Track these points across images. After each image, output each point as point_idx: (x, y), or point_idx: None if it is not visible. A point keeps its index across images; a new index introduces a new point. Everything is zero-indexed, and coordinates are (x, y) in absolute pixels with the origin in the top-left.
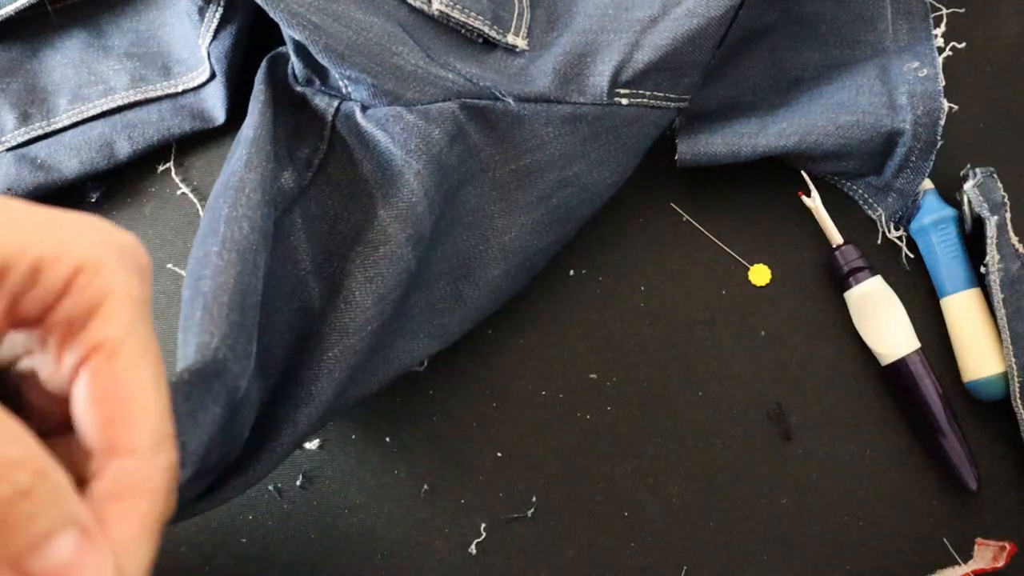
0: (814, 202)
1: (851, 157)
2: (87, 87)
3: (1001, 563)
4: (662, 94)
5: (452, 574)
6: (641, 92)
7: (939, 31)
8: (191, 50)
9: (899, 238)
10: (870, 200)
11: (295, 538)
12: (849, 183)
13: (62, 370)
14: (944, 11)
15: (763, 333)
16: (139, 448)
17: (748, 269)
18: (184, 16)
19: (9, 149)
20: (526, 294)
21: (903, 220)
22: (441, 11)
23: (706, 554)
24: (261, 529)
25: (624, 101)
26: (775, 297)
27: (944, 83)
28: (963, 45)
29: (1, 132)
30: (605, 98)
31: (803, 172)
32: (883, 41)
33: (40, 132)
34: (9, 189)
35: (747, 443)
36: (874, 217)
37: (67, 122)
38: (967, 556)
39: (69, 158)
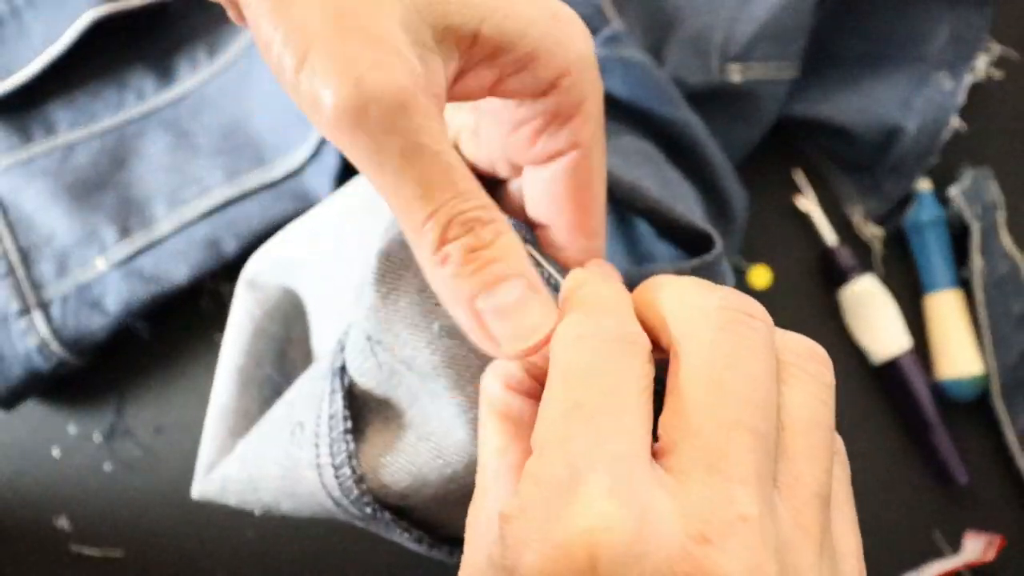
0: (809, 204)
1: (852, 140)
2: (182, 189)
3: (990, 556)
4: (774, 64)
5: None
6: (752, 65)
7: (983, 60)
8: (283, 134)
9: (875, 236)
10: (854, 197)
11: (304, 530)
12: (838, 176)
13: (531, 153)
14: (996, 48)
15: None
16: (598, 232)
17: (747, 271)
18: (275, 98)
19: (115, 265)
20: None
21: (885, 221)
22: None
23: None
24: (269, 523)
25: (737, 77)
26: (769, 296)
27: (964, 102)
28: (1001, 74)
29: (104, 248)
30: (717, 76)
31: (797, 174)
32: (927, 54)
33: (144, 243)
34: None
35: None
36: (851, 215)
37: (169, 229)
38: (957, 549)
39: (177, 265)
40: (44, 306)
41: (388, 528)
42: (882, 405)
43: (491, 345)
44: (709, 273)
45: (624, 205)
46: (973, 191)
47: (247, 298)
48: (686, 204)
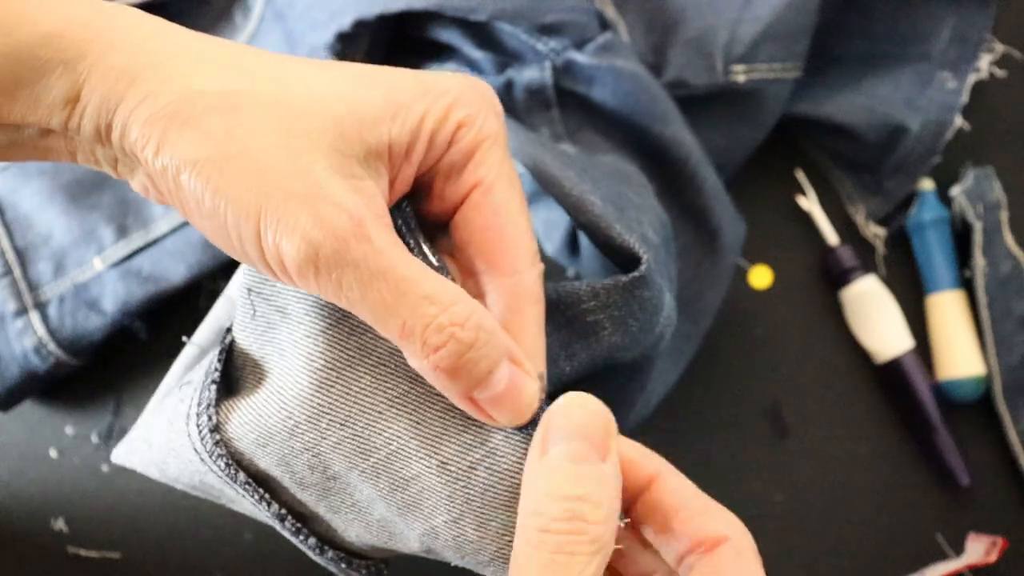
0: (810, 203)
1: (854, 140)
2: None
3: (993, 558)
4: (778, 64)
5: None
6: (756, 66)
7: (986, 59)
8: None
9: (876, 236)
10: (855, 197)
11: None
12: (840, 176)
13: (444, 204)
14: (999, 47)
15: (759, 331)
16: (521, 266)
17: (748, 271)
18: None
19: (113, 265)
20: None
21: (885, 221)
22: None
23: None
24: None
25: (741, 78)
26: (771, 296)
27: (966, 101)
28: (1004, 73)
29: (101, 248)
30: (721, 77)
31: (799, 173)
32: (930, 53)
33: (141, 243)
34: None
35: (743, 440)
36: (853, 215)
37: (166, 228)
38: (960, 551)
39: (175, 265)
40: (41, 306)
41: (247, 492)
42: (884, 406)
43: (492, 423)
44: (630, 295)
45: (571, 216)
46: (976, 191)
47: (220, 303)
48: (632, 223)
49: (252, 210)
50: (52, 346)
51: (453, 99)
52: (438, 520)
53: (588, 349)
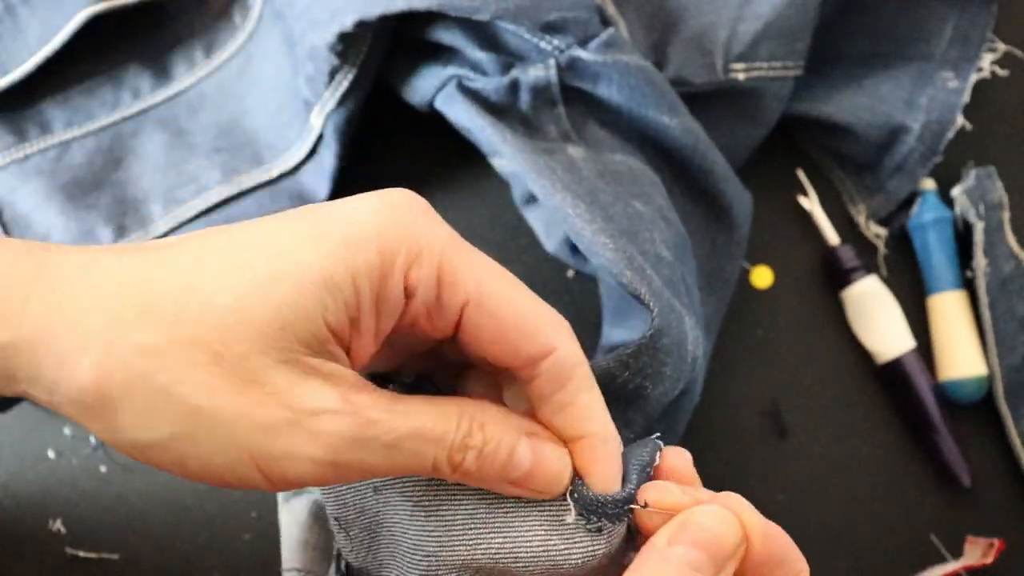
0: (811, 203)
1: (855, 139)
2: (179, 189)
3: (990, 559)
4: (779, 63)
5: None
6: (757, 64)
7: (988, 59)
8: (280, 133)
9: (878, 236)
10: (856, 197)
11: None
12: (841, 175)
13: (441, 333)
14: (1001, 47)
15: (760, 331)
16: (551, 344)
17: (749, 271)
18: (272, 97)
19: None
20: None
21: (887, 221)
22: None
23: None
24: (266, 526)
25: (741, 76)
26: (772, 296)
27: (968, 100)
28: (1005, 73)
29: None
30: (721, 75)
31: (799, 173)
32: (932, 53)
33: None
34: None
35: (743, 440)
36: (854, 215)
37: (165, 228)
38: (958, 553)
39: None
40: None
41: None
42: (885, 406)
43: (541, 496)
44: (654, 349)
45: (586, 255)
46: (977, 191)
47: (285, 519)
48: (645, 244)
49: (245, 458)
50: None
51: (379, 244)
52: None
53: (641, 411)
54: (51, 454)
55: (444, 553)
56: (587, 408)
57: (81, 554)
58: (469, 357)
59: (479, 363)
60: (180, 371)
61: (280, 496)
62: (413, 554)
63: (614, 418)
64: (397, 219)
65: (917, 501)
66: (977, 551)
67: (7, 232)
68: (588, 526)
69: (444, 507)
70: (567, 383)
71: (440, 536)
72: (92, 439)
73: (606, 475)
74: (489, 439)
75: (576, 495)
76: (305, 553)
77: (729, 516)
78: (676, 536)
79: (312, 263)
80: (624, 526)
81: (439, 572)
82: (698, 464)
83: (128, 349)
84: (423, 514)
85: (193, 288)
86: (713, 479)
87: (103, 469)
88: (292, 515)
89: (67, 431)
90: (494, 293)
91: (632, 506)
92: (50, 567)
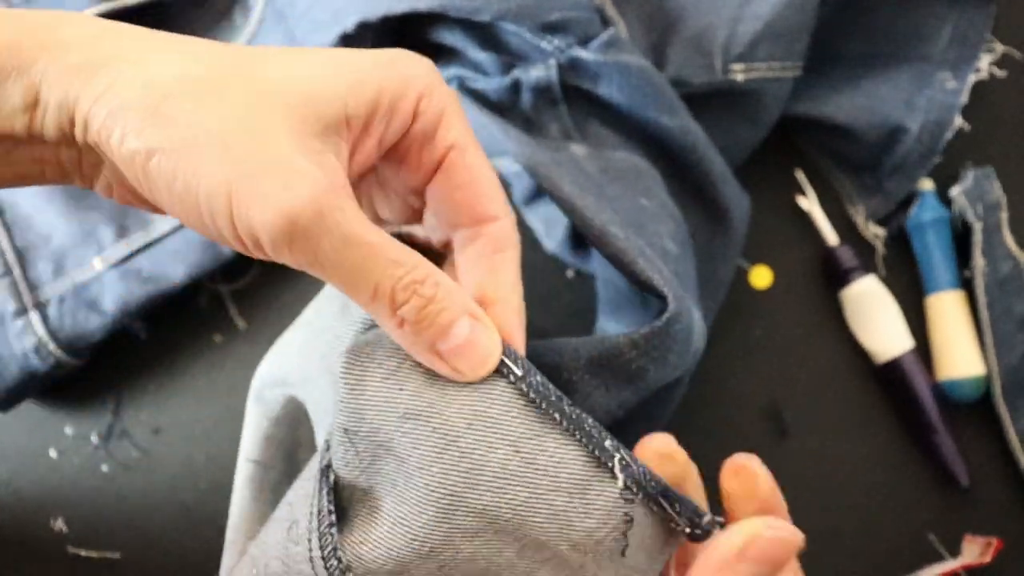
0: (810, 203)
1: (854, 140)
2: None
3: (988, 558)
4: (778, 63)
5: None
6: (755, 65)
7: (986, 60)
8: None
9: (876, 236)
10: (855, 197)
11: None
12: (840, 176)
13: (420, 171)
14: (999, 48)
15: (759, 331)
16: (500, 213)
17: (748, 271)
18: None
19: (113, 265)
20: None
21: (885, 221)
22: None
23: None
24: None
25: (740, 77)
26: (771, 296)
27: (966, 101)
28: (1003, 73)
29: (101, 248)
30: (720, 76)
31: (799, 173)
32: (930, 53)
33: (141, 243)
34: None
35: (743, 441)
36: (853, 215)
37: (166, 228)
38: (956, 552)
39: (175, 265)
40: (41, 306)
41: None
42: (883, 406)
43: (458, 376)
44: (666, 335)
45: (595, 247)
46: (975, 191)
47: (254, 411)
48: (652, 238)
49: (223, 188)
50: (52, 346)
51: (409, 73)
52: None
53: (637, 393)
54: (53, 453)
55: (470, 495)
56: (514, 276)
57: (83, 553)
58: (432, 211)
59: (435, 226)
60: (206, 104)
61: (253, 388)
62: (432, 491)
63: (609, 392)
64: (418, 61)
65: (915, 500)
66: (975, 550)
67: (9, 233)
68: (622, 497)
69: (479, 451)
70: (503, 250)
71: (469, 478)
72: (93, 438)
73: (511, 335)
74: (439, 298)
75: (624, 462)
76: (269, 448)
77: (792, 535)
78: (747, 550)
79: (352, 63)
80: (649, 526)
81: (456, 513)
82: (698, 463)
83: (169, 74)
84: (457, 453)
85: (233, 59)
86: (714, 478)
87: (104, 468)
88: (264, 407)
89: (68, 431)
90: (474, 153)
91: (667, 494)
92: (52, 566)
